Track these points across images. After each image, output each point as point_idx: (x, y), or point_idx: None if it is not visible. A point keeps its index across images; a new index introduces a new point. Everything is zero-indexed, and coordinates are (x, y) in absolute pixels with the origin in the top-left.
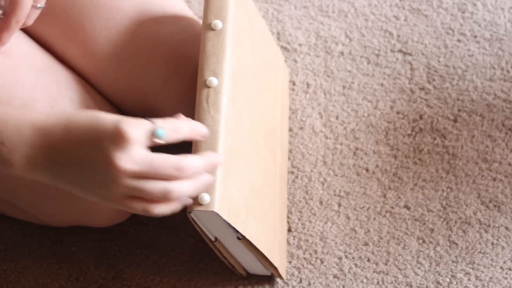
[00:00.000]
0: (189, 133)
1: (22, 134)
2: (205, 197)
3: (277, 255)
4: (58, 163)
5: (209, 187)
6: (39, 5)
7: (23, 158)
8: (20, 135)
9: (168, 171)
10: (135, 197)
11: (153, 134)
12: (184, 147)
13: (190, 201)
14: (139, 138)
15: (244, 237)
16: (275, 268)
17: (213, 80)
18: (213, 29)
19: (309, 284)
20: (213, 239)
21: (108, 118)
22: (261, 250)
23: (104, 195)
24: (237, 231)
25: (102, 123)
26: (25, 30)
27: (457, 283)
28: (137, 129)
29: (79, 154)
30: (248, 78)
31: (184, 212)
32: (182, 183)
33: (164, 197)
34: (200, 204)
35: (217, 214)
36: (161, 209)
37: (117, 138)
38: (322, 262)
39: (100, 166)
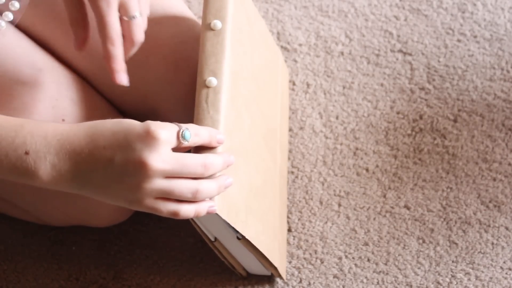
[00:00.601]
0: (208, 138)
1: (48, 142)
2: None
3: (276, 255)
4: (85, 170)
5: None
6: (133, 15)
7: (48, 167)
8: (45, 143)
9: (196, 169)
10: (164, 198)
11: (181, 136)
12: None
13: (214, 207)
14: (168, 139)
15: (243, 237)
16: (275, 268)
17: (212, 80)
18: (212, 29)
19: (309, 284)
20: (212, 239)
21: (135, 122)
22: (261, 250)
23: (133, 198)
24: (237, 231)
25: (131, 126)
26: (26, 30)
27: (457, 283)
28: (166, 130)
29: (107, 159)
30: (247, 78)
31: None
32: (208, 183)
33: (193, 197)
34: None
35: (216, 214)
36: (189, 210)
37: (148, 139)
38: (322, 262)
39: (132, 167)
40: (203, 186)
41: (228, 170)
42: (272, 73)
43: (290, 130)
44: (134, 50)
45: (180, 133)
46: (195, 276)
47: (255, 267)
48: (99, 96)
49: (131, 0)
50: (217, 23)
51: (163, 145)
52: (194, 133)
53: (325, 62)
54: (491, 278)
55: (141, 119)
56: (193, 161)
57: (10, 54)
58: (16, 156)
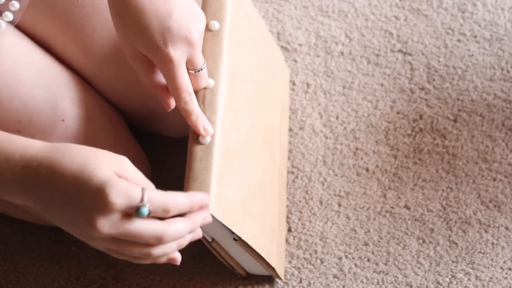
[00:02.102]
0: (187, 208)
1: (12, 167)
2: None
3: (274, 256)
4: (44, 202)
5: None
6: (200, 68)
7: (7, 181)
8: (9, 168)
9: (148, 240)
10: (117, 250)
11: (136, 211)
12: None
13: (177, 258)
14: (121, 209)
15: (240, 238)
16: (273, 269)
17: (209, 81)
18: (210, 30)
19: (309, 284)
20: (210, 240)
21: (97, 175)
22: (258, 251)
23: (88, 242)
24: (233, 232)
25: (88, 180)
26: (25, 31)
27: (457, 283)
28: (122, 199)
29: (63, 202)
30: (245, 78)
31: None
32: (162, 248)
33: (144, 258)
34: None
35: (212, 215)
36: (144, 262)
37: (100, 202)
38: (322, 262)
39: (81, 222)
40: (155, 252)
41: (225, 171)
42: (272, 73)
43: (290, 130)
44: None
45: (137, 208)
46: (195, 276)
47: (254, 267)
48: (99, 97)
49: (197, 54)
50: (215, 24)
51: (114, 212)
52: (161, 209)
53: (325, 62)
54: (491, 278)
55: (142, 119)
56: (146, 233)
57: (10, 54)
58: None
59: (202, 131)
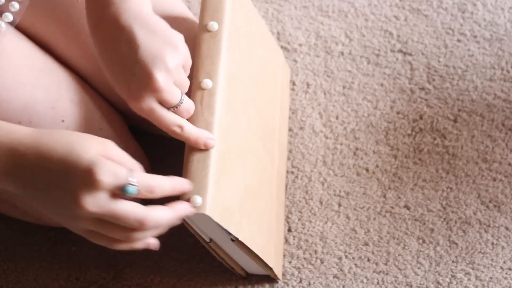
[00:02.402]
0: (169, 191)
1: None
2: (197, 200)
3: (272, 256)
4: (28, 185)
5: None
6: (176, 104)
7: None
8: None
9: (131, 224)
10: (97, 232)
11: (123, 190)
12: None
13: (155, 243)
14: (108, 187)
15: (237, 239)
16: (270, 269)
17: (207, 82)
18: (208, 31)
19: (309, 284)
20: (208, 240)
21: (84, 156)
22: (255, 251)
23: (69, 225)
24: (230, 233)
25: (76, 161)
26: (25, 31)
27: (457, 283)
28: (109, 178)
29: (49, 183)
30: (244, 79)
31: None
32: (142, 233)
33: (125, 240)
34: (192, 207)
35: (209, 216)
36: (122, 247)
37: (88, 181)
38: (322, 262)
39: (67, 201)
40: (136, 236)
41: (222, 172)
42: (272, 73)
43: (290, 130)
44: None
45: (123, 186)
46: (195, 276)
47: (253, 267)
48: (99, 97)
49: (167, 96)
50: (213, 25)
51: (101, 191)
52: (146, 189)
53: (325, 62)
54: (491, 278)
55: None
56: (129, 215)
57: (10, 55)
58: None
59: (203, 147)
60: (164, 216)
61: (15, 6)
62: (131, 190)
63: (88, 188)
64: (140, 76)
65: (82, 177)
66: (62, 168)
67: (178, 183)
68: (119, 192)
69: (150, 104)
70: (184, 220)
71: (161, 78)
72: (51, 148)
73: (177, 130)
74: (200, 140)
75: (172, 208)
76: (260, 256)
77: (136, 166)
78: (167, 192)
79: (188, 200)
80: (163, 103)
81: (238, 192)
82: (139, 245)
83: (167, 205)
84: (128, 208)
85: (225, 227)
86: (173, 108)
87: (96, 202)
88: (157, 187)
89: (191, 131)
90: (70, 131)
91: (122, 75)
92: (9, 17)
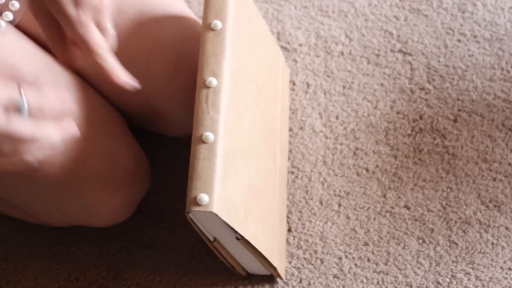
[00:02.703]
0: (56, 107)
1: None
2: (204, 198)
3: (276, 255)
4: None
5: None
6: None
7: None
8: None
9: (22, 138)
10: None
11: (15, 106)
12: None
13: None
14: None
15: (242, 237)
16: (274, 268)
17: (212, 81)
18: (212, 30)
19: (309, 284)
20: (212, 239)
21: None
22: (260, 250)
23: None
24: (236, 231)
25: None
26: (25, 31)
27: (457, 283)
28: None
29: None
30: (247, 78)
31: (184, 212)
32: (31, 151)
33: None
34: (198, 205)
35: (216, 214)
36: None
37: None
38: (322, 262)
39: None
40: (24, 150)
41: (228, 171)
42: (273, 73)
43: (290, 130)
44: None
45: (15, 103)
46: (195, 276)
47: (255, 267)
48: (99, 96)
49: (104, 19)
50: (217, 23)
51: None
52: (38, 108)
53: (325, 62)
54: (491, 278)
55: (142, 119)
56: (22, 130)
57: (10, 54)
58: None
59: (127, 87)
60: (53, 134)
61: (15, 5)
62: (24, 107)
63: None
64: None
65: None
66: None
67: (63, 99)
68: (12, 108)
69: (89, 19)
70: (189, 218)
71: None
72: None
73: (102, 52)
74: (122, 73)
75: (61, 128)
76: (265, 255)
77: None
78: (54, 106)
79: (195, 199)
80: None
81: (243, 190)
82: (22, 161)
83: (55, 125)
84: (21, 124)
85: (232, 225)
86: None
87: None
88: (48, 99)
89: (112, 58)
90: None
91: None
92: (9, 16)
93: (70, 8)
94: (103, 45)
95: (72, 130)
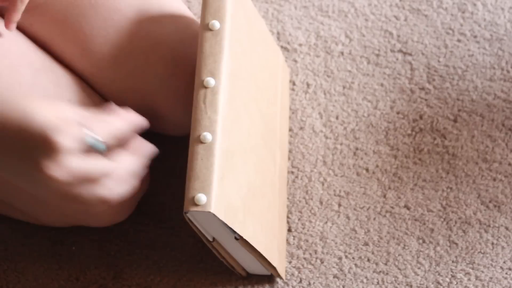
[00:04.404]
0: (127, 128)
1: None
2: (202, 198)
3: (275, 255)
4: None
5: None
6: None
7: None
8: None
9: (99, 176)
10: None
11: (87, 143)
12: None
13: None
14: (69, 147)
15: (241, 237)
16: (274, 268)
17: (210, 81)
18: (210, 30)
19: (309, 284)
20: (210, 239)
21: (38, 122)
22: (259, 250)
23: (40, 196)
24: (234, 231)
25: (31, 129)
26: (24, 30)
27: (457, 283)
28: (67, 137)
29: (8, 156)
30: (246, 78)
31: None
32: (114, 187)
33: (97, 201)
34: (196, 205)
35: (214, 214)
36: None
37: (47, 147)
38: (322, 262)
39: (31, 173)
40: (108, 193)
41: (226, 171)
42: (272, 73)
43: (290, 130)
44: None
45: (90, 143)
46: (195, 276)
47: (254, 267)
48: (97, 97)
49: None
50: (215, 23)
51: (63, 154)
52: (111, 136)
53: (325, 62)
54: (491, 278)
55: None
56: (97, 170)
57: (8, 54)
58: None
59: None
60: (132, 163)
61: None
62: (100, 145)
63: (49, 155)
64: None
65: (41, 145)
66: (19, 138)
67: (130, 119)
68: (88, 149)
69: None
70: (187, 218)
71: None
72: (4, 115)
73: None
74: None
75: (137, 153)
76: (264, 255)
77: (89, 116)
78: (126, 132)
79: (193, 199)
80: None
81: (241, 190)
82: (115, 192)
83: (130, 151)
84: (95, 164)
85: (230, 225)
86: None
87: (60, 167)
88: (118, 133)
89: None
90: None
91: None
92: None
93: None
94: None
95: (147, 149)
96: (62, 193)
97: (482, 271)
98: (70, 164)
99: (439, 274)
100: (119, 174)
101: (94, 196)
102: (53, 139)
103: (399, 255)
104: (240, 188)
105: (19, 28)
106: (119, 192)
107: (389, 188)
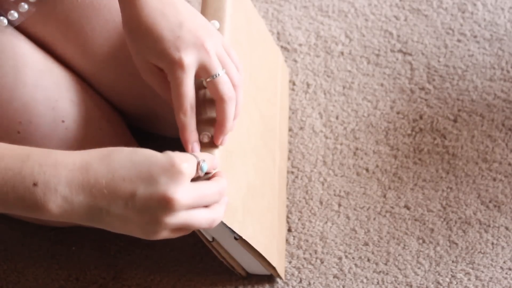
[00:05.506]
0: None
1: (58, 173)
2: None
3: (275, 255)
4: (102, 203)
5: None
6: (214, 74)
7: (59, 199)
8: (55, 174)
9: (214, 197)
10: (181, 228)
11: (200, 168)
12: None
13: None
14: (190, 172)
15: (240, 237)
16: (273, 268)
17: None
18: None
19: (309, 284)
20: (210, 239)
21: (155, 153)
22: (258, 250)
23: (151, 231)
24: (234, 231)
25: (153, 158)
26: (25, 31)
27: (457, 283)
28: (187, 163)
29: (129, 192)
30: (246, 78)
31: None
32: (220, 208)
33: (209, 227)
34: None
35: None
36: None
37: (173, 173)
38: (322, 262)
39: (156, 202)
40: (218, 215)
41: (226, 171)
42: (272, 73)
43: (290, 130)
44: (228, 125)
45: (200, 166)
46: (195, 276)
47: (254, 267)
48: (99, 97)
49: (211, 60)
50: (215, 23)
51: (187, 179)
52: (211, 166)
53: (325, 62)
54: (491, 278)
55: (142, 119)
56: (210, 190)
57: (10, 55)
58: (24, 187)
59: (189, 148)
60: (225, 184)
61: (24, 7)
62: (205, 166)
63: (176, 181)
64: (189, 37)
65: (166, 171)
66: (141, 170)
67: (214, 162)
68: (197, 172)
69: (190, 60)
70: None
71: (209, 42)
72: (117, 159)
73: (188, 108)
74: (193, 136)
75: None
76: (263, 254)
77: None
78: (215, 165)
79: None
80: (203, 68)
81: (241, 190)
82: (220, 213)
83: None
84: (206, 184)
85: (229, 225)
86: (211, 77)
87: (186, 191)
88: (214, 160)
89: (193, 121)
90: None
91: (170, 31)
92: (14, 15)
93: (172, 51)
94: (192, 101)
95: (224, 182)
96: (172, 228)
97: (482, 271)
98: (191, 188)
99: (439, 274)
100: (224, 191)
101: (206, 219)
102: (178, 165)
103: (399, 255)
104: (240, 188)
105: (22, 29)
106: (222, 214)
107: (389, 188)
